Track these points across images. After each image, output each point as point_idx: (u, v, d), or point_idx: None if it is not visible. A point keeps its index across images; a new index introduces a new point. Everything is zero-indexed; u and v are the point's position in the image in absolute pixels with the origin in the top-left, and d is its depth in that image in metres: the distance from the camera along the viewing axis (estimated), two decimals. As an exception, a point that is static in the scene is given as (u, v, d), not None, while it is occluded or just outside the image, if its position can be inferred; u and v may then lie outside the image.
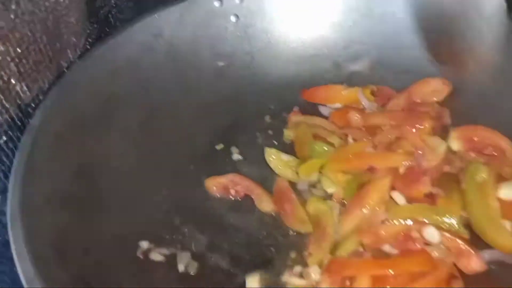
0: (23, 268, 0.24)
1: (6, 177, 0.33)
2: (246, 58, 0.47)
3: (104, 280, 0.29)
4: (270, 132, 0.43)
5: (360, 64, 0.45)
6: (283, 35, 0.47)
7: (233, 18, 0.47)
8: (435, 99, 0.40)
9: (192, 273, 0.32)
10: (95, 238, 0.31)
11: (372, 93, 0.41)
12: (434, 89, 0.41)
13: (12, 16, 0.30)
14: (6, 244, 0.30)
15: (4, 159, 0.33)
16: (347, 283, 0.29)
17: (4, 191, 0.33)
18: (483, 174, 0.33)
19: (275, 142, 0.42)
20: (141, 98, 0.41)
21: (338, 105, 0.43)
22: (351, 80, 0.45)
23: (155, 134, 0.40)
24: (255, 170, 0.39)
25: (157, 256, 0.33)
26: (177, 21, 0.45)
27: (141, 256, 0.32)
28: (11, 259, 0.27)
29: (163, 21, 0.44)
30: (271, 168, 0.39)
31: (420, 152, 0.35)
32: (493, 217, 0.31)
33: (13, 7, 0.29)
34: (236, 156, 0.41)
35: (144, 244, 0.33)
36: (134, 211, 0.34)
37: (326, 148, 0.38)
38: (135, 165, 0.37)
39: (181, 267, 0.32)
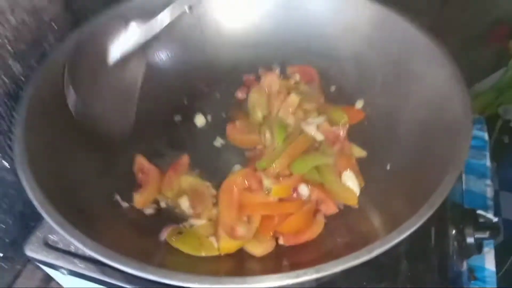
0: (35, 196, 0.32)
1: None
2: (197, 45, 0.54)
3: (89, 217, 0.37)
4: (219, 106, 0.53)
5: (291, 50, 0.54)
6: (230, 26, 0.55)
7: (187, 8, 0.50)
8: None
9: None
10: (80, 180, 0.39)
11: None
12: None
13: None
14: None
15: (2, 121, 0.41)
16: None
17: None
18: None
19: (223, 115, 0.52)
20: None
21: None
22: (284, 62, 0.55)
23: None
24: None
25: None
26: (140, 9, 0.49)
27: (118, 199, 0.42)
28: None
29: (127, 9, 0.49)
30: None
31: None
32: (340, 183, 0.43)
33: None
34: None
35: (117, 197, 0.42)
36: (112, 166, 0.43)
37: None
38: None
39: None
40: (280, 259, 0.37)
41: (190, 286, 0.29)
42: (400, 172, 0.40)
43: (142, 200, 0.42)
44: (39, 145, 0.36)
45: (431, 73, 0.42)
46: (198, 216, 0.41)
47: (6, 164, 0.43)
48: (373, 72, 0.48)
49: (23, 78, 0.42)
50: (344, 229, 0.40)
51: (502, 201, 1.50)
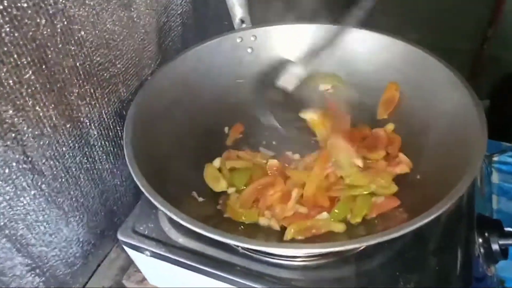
0: (141, 184, 0.43)
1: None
2: (257, 77, 0.66)
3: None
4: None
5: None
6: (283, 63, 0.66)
7: (249, 50, 0.66)
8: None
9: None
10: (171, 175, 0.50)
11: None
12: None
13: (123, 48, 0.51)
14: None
15: (110, 132, 0.53)
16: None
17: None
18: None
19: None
20: (189, 100, 0.60)
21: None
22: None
23: (195, 122, 0.60)
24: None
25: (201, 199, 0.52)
26: (213, 50, 0.62)
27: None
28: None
29: (203, 51, 0.61)
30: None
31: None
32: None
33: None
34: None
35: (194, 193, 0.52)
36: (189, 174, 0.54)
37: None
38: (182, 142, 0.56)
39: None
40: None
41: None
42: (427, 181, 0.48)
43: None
44: (142, 148, 0.48)
45: (451, 97, 0.50)
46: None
47: (107, 166, 0.55)
48: (403, 98, 0.57)
49: (126, 100, 0.55)
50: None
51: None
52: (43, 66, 0.38)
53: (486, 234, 0.51)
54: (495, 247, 0.50)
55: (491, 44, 1.67)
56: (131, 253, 0.54)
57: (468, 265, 0.47)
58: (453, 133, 0.48)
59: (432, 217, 0.37)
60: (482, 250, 0.51)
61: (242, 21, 0.66)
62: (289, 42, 0.66)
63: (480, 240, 0.51)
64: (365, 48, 0.61)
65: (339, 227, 0.47)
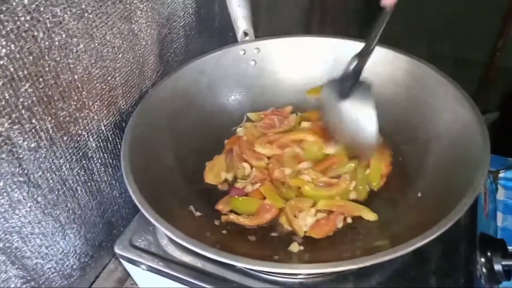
0: (136, 197, 0.43)
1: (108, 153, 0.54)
2: (259, 90, 0.67)
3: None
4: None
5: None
6: (285, 76, 0.66)
7: (252, 63, 0.66)
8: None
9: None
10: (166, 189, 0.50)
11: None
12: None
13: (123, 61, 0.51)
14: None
15: (109, 144, 0.53)
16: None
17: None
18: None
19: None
20: (189, 112, 0.60)
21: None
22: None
23: (195, 135, 0.60)
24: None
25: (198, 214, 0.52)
26: (215, 63, 0.62)
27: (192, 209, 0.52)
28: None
29: (206, 63, 0.61)
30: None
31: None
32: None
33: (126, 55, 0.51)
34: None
35: (191, 208, 0.52)
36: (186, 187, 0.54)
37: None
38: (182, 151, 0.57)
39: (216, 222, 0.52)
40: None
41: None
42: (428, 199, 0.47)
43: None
44: (139, 161, 0.47)
45: (454, 113, 0.49)
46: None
47: (106, 178, 0.54)
48: (406, 112, 0.56)
49: (125, 113, 0.54)
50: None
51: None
52: (40, 79, 0.38)
53: (489, 254, 0.50)
54: (497, 267, 0.49)
55: (502, 55, 1.65)
56: (128, 266, 0.54)
57: (470, 285, 0.46)
58: (455, 151, 0.47)
59: (429, 239, 0.36)
60: (484, 270, 0.49)
61: (246, 34, 0.66)
62: (293, 55, 0.66)
63: (483, 259, 0.50)
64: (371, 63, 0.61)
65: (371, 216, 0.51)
